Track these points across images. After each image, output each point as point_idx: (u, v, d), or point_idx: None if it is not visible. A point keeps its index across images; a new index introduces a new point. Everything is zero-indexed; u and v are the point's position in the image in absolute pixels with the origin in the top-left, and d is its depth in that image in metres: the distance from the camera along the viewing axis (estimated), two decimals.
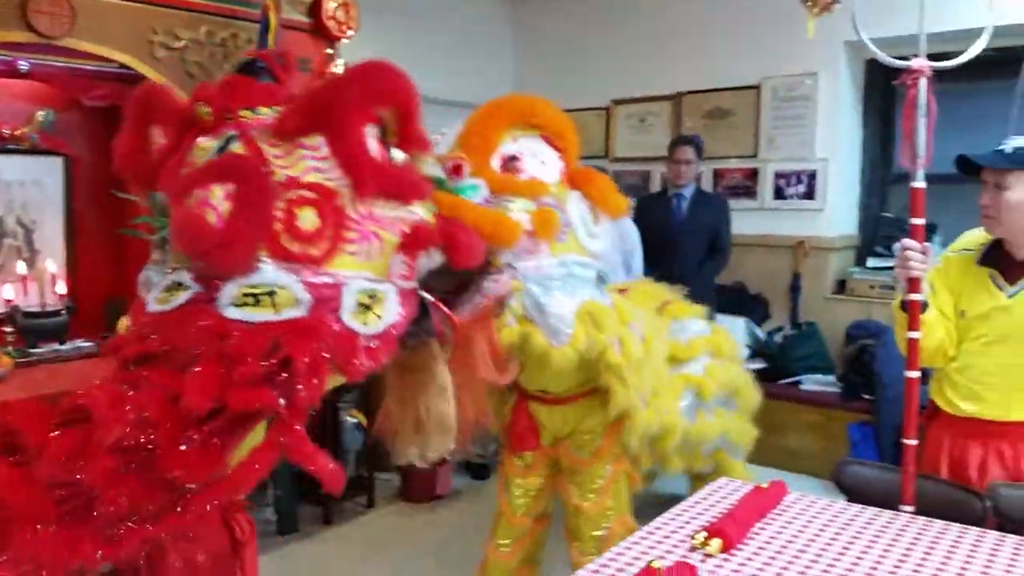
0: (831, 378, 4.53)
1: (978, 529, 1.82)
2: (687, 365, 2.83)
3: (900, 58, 2.03)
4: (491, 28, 5.90)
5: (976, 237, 2.17)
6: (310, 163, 1.31)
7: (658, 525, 1.80)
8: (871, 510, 1.91)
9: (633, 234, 4.39)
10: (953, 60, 2.01)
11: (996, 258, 2.08)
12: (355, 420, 3.72)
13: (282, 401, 1.17)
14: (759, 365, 4.74)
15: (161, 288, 1.31)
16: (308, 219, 1.27)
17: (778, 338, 4.82)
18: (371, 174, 1.33)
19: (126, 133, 1.48)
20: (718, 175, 5.23)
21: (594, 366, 2.28)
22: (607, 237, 4.33)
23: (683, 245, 4.28)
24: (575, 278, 2.23)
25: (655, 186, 5.48)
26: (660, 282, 4.15)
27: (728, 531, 1.66)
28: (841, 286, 4.87)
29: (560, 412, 2.49)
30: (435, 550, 3.53)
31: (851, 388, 4.27)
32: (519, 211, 2.10)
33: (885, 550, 1.71)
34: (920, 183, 1.98)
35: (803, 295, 4.91)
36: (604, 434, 2.45)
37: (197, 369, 1.15)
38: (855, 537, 1.76)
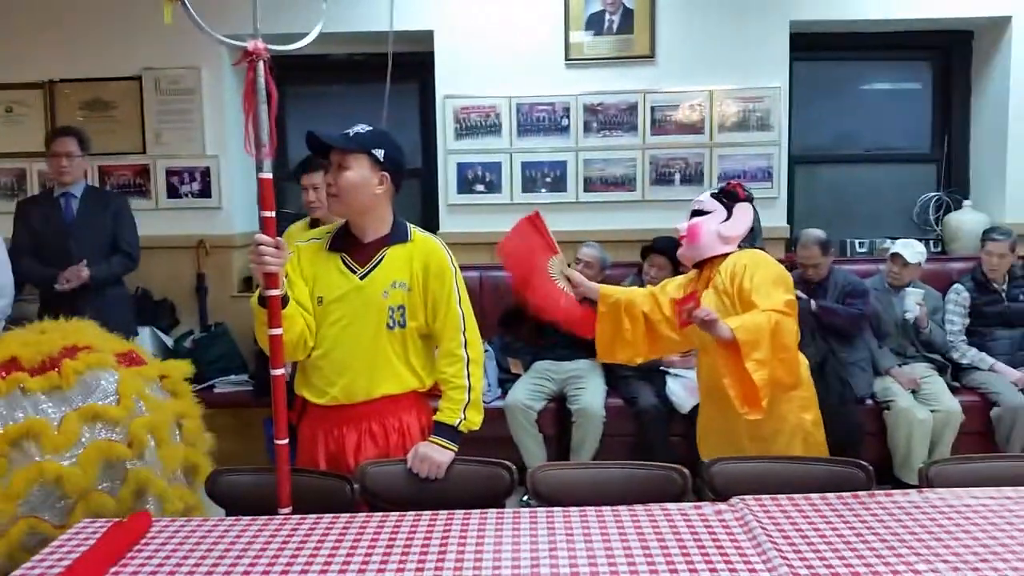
0: (244, 377, 4.47)
1: (347, 515, 1.85)
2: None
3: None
4: None
5: (325, 227, 2.25)
6: None
7: None
8: (244, 520, 1.83)
9: None
10: (291, 45, 2.03)
11: (345, 243, 2.18)
12: None
13: None
14: None
15: None
16: None
17: (188, 343, 4.58)
18: None
19: None
20: (105, 172, 4.77)
21: None
22: None
23: (78, 251, 3.78)
24: None
25: (33, 187, 4.77)
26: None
27: None
28: (248, 283, 4.84)
29: None
30: None
31: (262, 385, 4.25)
32: None
33: (255, 559, 1.63)
34: (267, 174, 1.95)
35: (210, 296, 4.76)
36: None
37: None
38: (223, 554, 1.65)
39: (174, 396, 2.49)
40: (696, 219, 2.64)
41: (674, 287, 2.75)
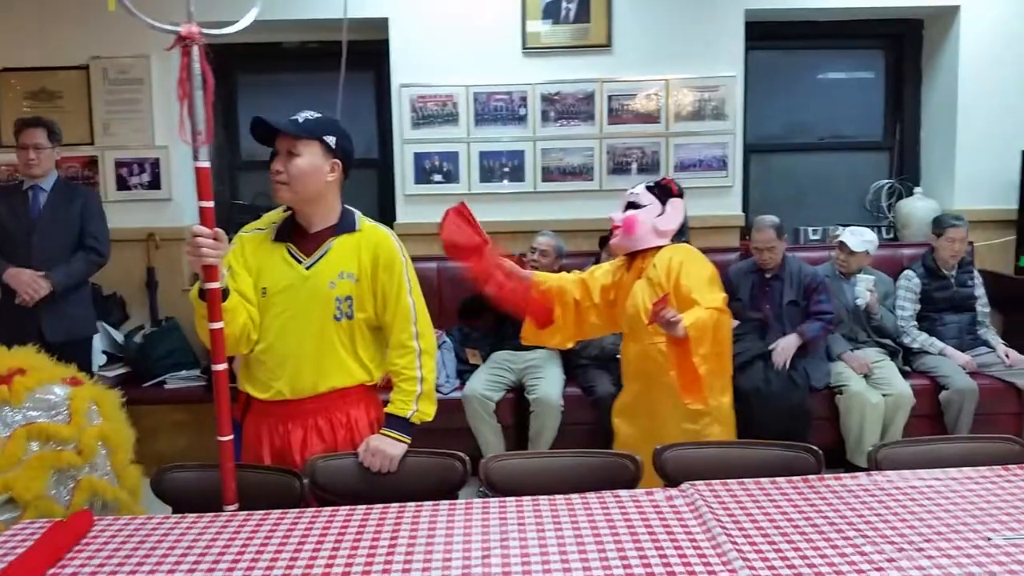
0: (196, 372, 4.39)
1: (295, 510, 1.82)
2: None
3: None
4: None
5: (269, 216, 2.20)
6: None
7: None
8: (190, 517, 1.78)
9: None
10: (226, 29, 1.98)
11: (291, 233, 2.13)
12: None
13: None
14: (120, 371, 4.39)
15: None
16: None
17: (138, 339, 4.48)
18: None
19: None
20: (55, 164, 4.62)
21: None
22: None
23: (40, 245, 3.66)
24: None
25: None
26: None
27: None
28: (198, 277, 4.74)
29: None
30: None
31: None
32: None
33: (200, 556, 1.60)
34: (204, 162, 1.90)
35: (160, 290, 4.66)
36: None
37: None
38: (167, 552, 1.61)
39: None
40: (632, 211, 2.74)
41: (602, 272, 2.87)
